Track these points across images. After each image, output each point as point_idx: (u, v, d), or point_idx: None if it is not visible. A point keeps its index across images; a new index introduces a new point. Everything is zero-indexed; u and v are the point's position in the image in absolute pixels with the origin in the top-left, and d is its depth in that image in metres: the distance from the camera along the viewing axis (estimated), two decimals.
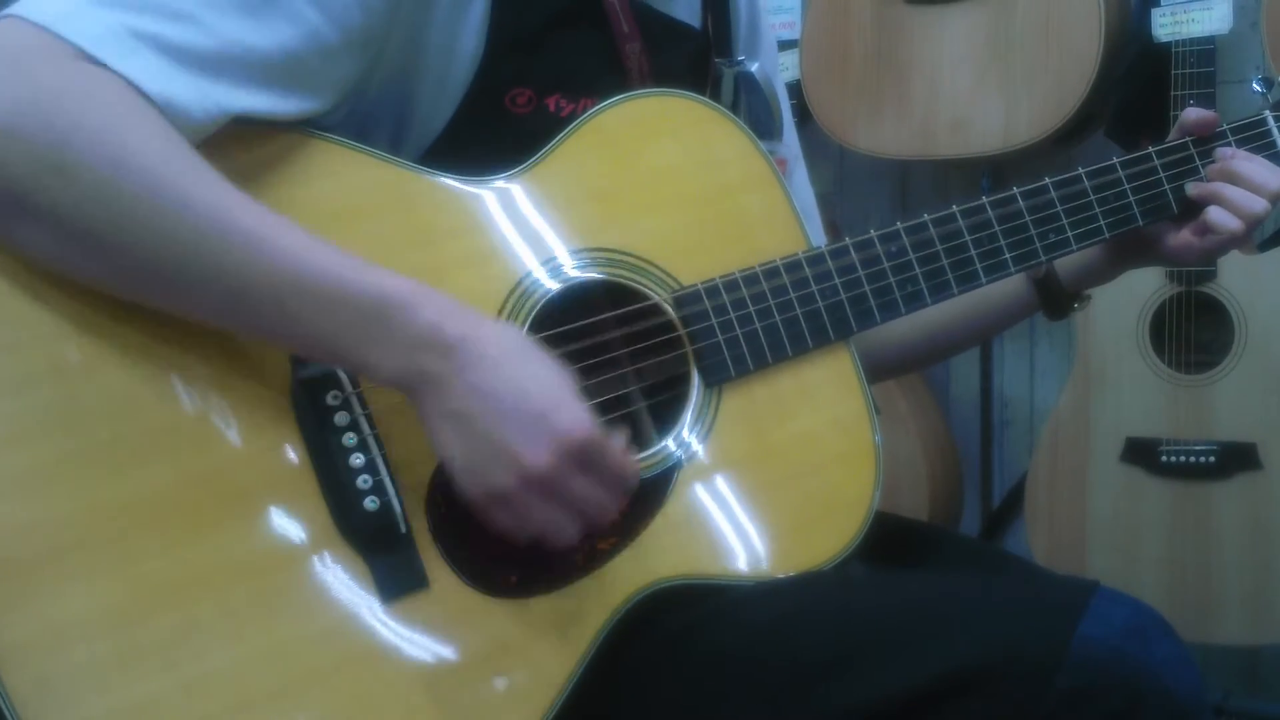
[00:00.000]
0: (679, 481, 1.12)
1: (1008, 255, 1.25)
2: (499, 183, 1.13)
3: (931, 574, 1.20)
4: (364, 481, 1.01)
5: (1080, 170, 1.28)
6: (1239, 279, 2.35)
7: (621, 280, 1.14)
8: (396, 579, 1.01)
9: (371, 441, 1.02)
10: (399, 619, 1.01)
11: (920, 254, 1.22)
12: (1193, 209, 1.31)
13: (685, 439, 1.14)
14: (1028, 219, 1.26)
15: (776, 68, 1.43)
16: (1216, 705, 2.45)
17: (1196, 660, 1.02)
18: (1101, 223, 1.28)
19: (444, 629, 1.02)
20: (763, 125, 1.31)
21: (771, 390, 1.17)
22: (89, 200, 0.93)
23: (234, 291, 0.96)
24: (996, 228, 1.25)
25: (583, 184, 1.15)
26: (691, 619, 1.08)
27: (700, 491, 1.12)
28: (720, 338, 1.15)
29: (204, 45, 0.99)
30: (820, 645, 1.04)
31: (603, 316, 1.14)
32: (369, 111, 1.13)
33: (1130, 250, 1.37)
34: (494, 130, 1.15)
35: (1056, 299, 1.39)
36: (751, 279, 1.17)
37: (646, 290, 1.15)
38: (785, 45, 2.68)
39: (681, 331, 1.15)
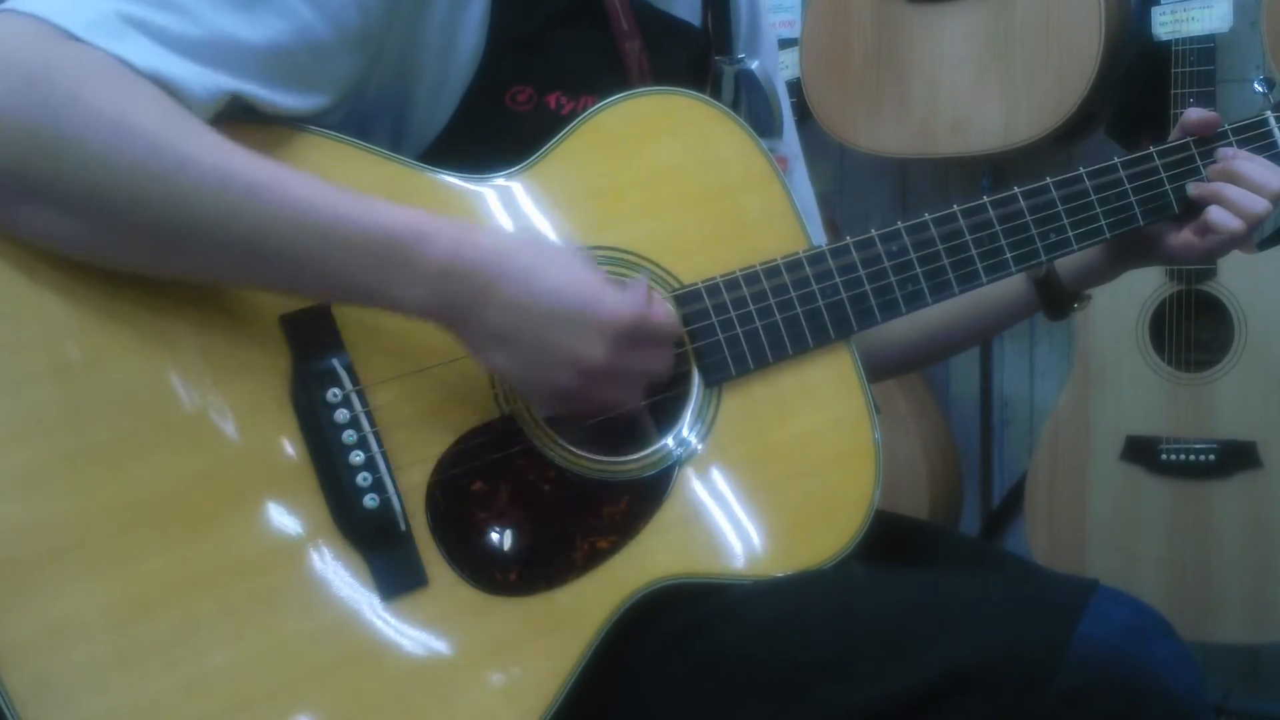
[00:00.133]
0: (679, 480, 1.12)
1: (1009, 255, 1.25)
2: (499, 181, 1.13)
3: (931, 573, 1.20)
4: (364, 479, 1.01)
5: (1081, 170, 1.28)
6: (1239, 278, 2.35)
7: (622, 279, 1.14)
8: (396, 577, 1.01)
9: (371, 439, 1.02)
10: (398, 617, 1.01)
11: (921, 253, 1.22)
12: (1193, 209, 1.31)
13: (685, 438, 1.13)
14: (1029, 219, 1.26)
15: (776, 66, 1.43)
16: (1216, 705, 2.45)
17: (1196, 659, 1.02)
18: (1102, 222, 1.28)
19: (443, 627, 1.02)
20: (763, 123, 1.31)
21: (772, 389, 1.17)
22: (91, 170, 0.93)
23: (247, 245, 0.96)
24: (997, 227, 1.25)
25: (583, 182, 1.15)
26: (691, 618, 1.08)
27: (700, 490, 1.12)
28: (720, 336, 1.15)
29: (193, 34, 0.99)
30: (820, 644, 1.04)
31: None
32: (369, 111, 1.13)
33: (1131, 250, 1.36)
34: (494, 128, 1.15)
35: (1057, 299, 1.39)
36: (752, 278, 1.17)
37: None
38: (785, 44, 2.68)
39: (682, 330, 1.15)
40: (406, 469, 1.04)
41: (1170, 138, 1.34)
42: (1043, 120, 2.45)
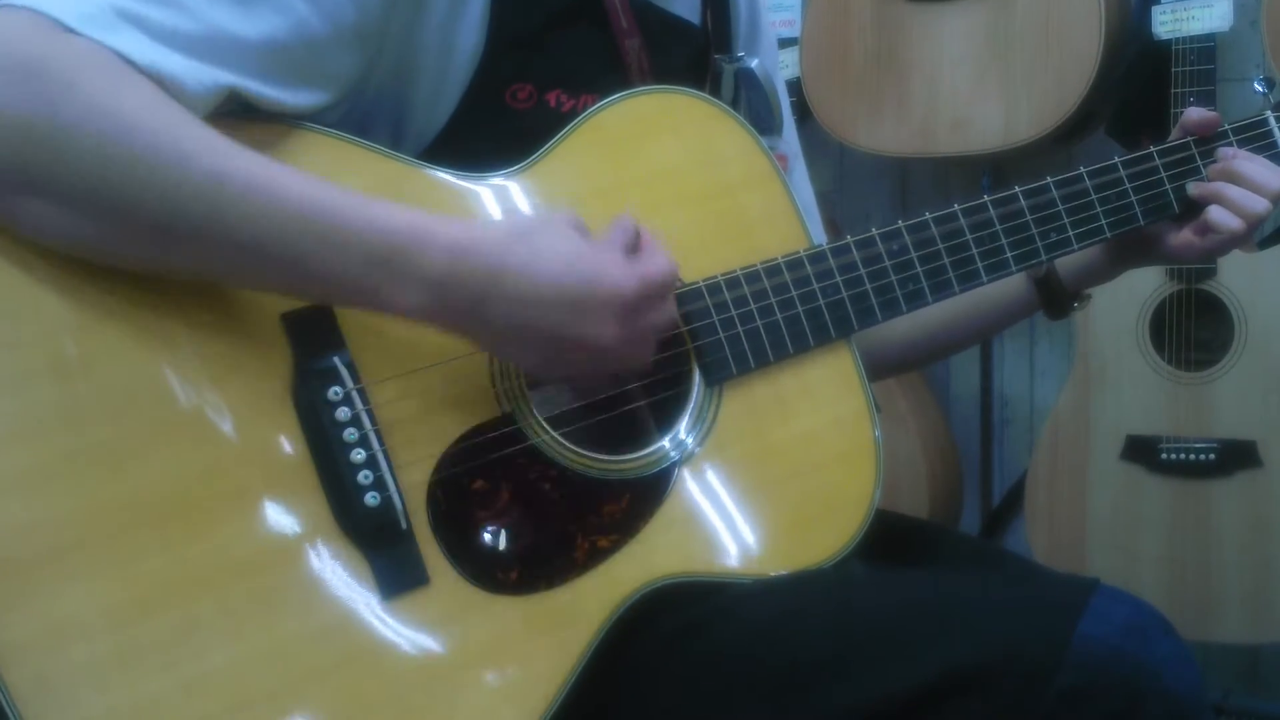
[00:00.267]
0: (679, 479, 1.12)
1: (1009, 254, 1.25)
2: (500, 180, 1.13)
3: (931, 572, 1.20)
4: (365, 477, 1.01)
5: (1081, 169, 1.29)
6: (1239, 277, 2.35)
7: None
8: (397, 575, 1.01)
9: (372, 437, 1.02)
10: (399, 616, 1.01)
11: (922, 252, 1.22)
12: (1193, 208, 1.31)
13: (686, 437, 1.13)
14: (1029, 218, 1.26)
15: (776, 64, 1.43)
16: (1216, 704, 2.45)
17: (1196, 659, 1.02)
18: (1103, 222, 1.28)
19: (444, 625, 1.02)
20: (763, 121, 1.31)
21: (772, 388, 1.17)
22: (87, 164, 0.92)
23: (243, 244, 0.96)
24: (998, 226, 1.25)
25: (583, 181, 1.15)
26: (691, 617, 1.08)
27: (700, 489, 1.12)
28: (721, 335, 1.15)
29: (189, 29, 0.99)
30: (820, 644, 1.04)
31: None
32: (369, 109, 1.13)
33: (1131, 249, 1.37)
34: (495, 126, 1.15)
35: (1057, 298, 1.39)
36: (753, 276, 1.17)
37: None
38: (785, 43, 2.68)
39: (682, 329, 1.15)
40: (407, 467, 1.04)
41: (1170, 137, 1.34)
42: (1043, 120, 2.45)
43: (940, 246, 1.23)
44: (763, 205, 1.21)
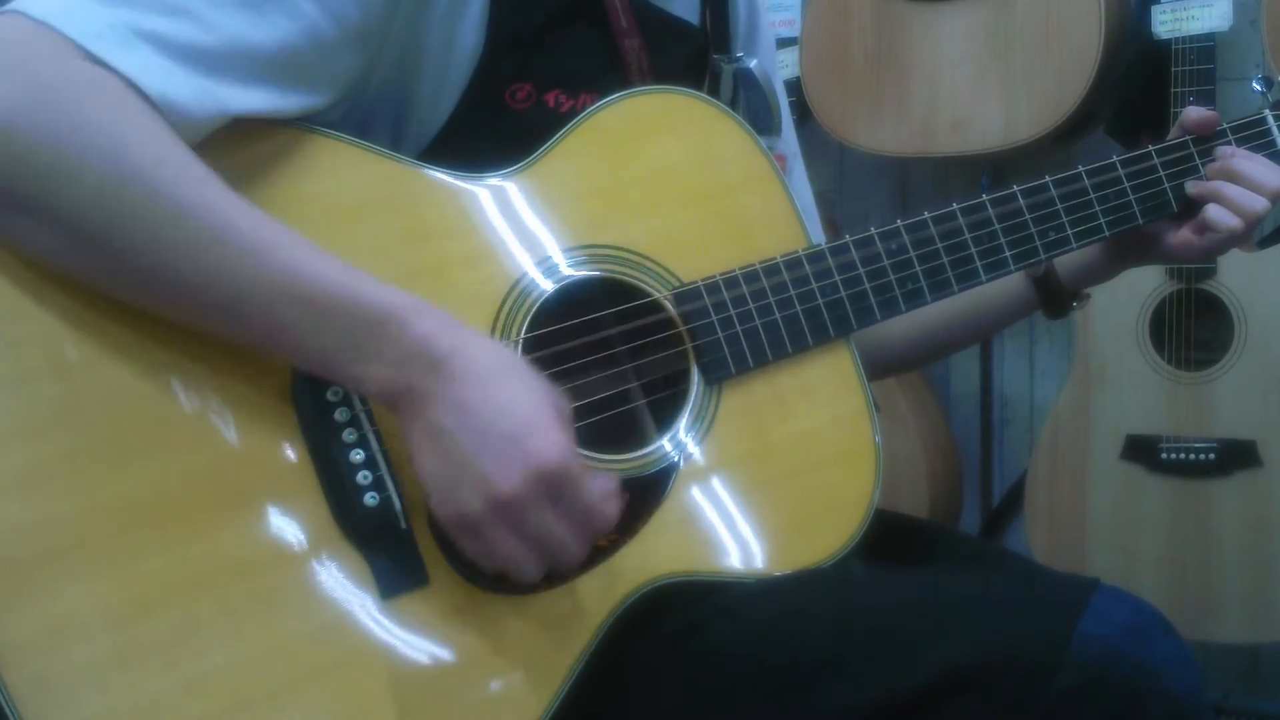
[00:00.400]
0: (678, 479, 1.12)
1: (1008, 254, 1.25)
2: (499, 180, 1.13)
3: (931, 572, 1.20)
4: (364, 478, 1.01)
5: (1080, 169, 1.29)
6: (1239, 276, 2.35)
7: (621, 277, 1.14)
8: (396, 576, 1.01)
9: (371, 438, 1.02)
10: (398, 616, 1.01)
11: (920, 252, 1.22)
12: (1192, 207, 1.31)
13: (685, 436, 1.13)
14: (1028, 217, 1.26)
15: (775, 64, 1.43)
16: (1216, 704, 2.45)
17: (1196, 659, 1.02)
18: (1101, 221, 1.29)
19: (443, 626, 1.02)
20: (761, 121, 1.31)
21: (771, 388, 1.17)
22: (85, 202, 0.93)
23: (227, 300, 0.96)
24: (996, 226, 1.25)
25: (583, 181, 1.15)
26: (691, 617, 1.08)
27: (700, 489, 1.12)
28: (720, 335, 1.15)
29: (204, 42, 0.99)
30: (820, 644, 1.04)
31: (602, 313, 1.14)
32: (368, 109, 1.13)
33: (1130, 248, 1.37)
34: (494, 126, 1.15)
35: (1056, 298, 1.39)
36: (752, 276, 1.17)
37: (646, 287, 1.15)
38: (785, 43, 2.68)
39: (681, 328, 1.15)
40: (407, 467, 1.03)
41: (1169, 136, 1.34)
42: (1043, 119, 2.45)
43: (939, 246, 1.23)
44: (762, 205, 1.21)
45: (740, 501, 1.13)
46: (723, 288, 1.16)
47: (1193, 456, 2.39)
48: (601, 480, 0.98)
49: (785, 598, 1.09)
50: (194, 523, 0.96)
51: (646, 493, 1.11)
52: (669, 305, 1.15)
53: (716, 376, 1.15)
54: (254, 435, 1.00)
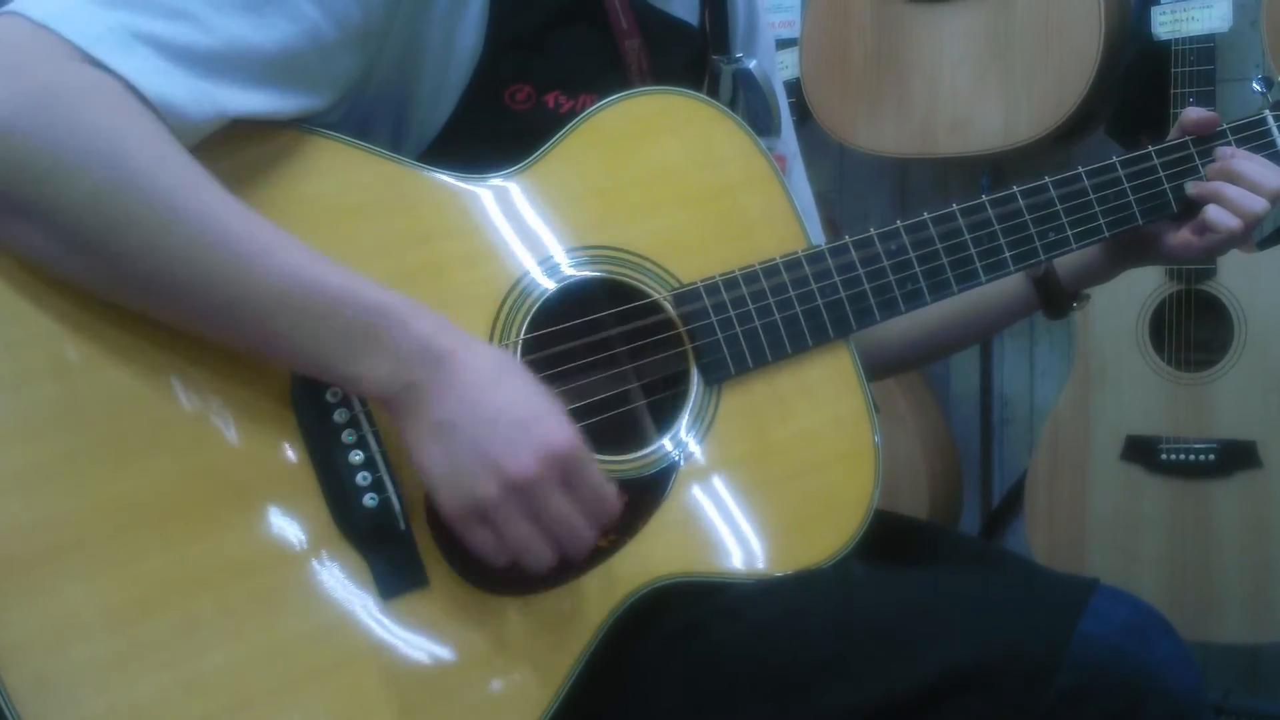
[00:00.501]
0: (678, 479, 1.12)
1: (1007, 254, 1.25)
2: (499, 181, 1.13)
3: (931, 573, 1.20)
4: (363, 478, 1.01)
5: (1080, 169, 1.29)
6: (1239, 277, 2.35)
7: (621, 278, 1.14)
8: (396, 576, 1.01)
9: (371, 438, 1.02)
10: (398, 617, 1.01)
11: (920, 252, 1.22)
12: (1192, 208, 1.31)
13: (685, 437, 1.14)
14: (1027, 218, 1.26)
15: (774, 65, 1.43)
16: (1216, 704, 2.45)
17: (1196, 659, 1.02)
18: (1101, 221, 1.29)
19: (443, 627, 1.02)
20: (761, 122, 1.31)
21: (771, 388, 1.17)
22: (82, 206, 0.93)
23: (222, 305, 0.96)
24: (996, 226, 1.25)
25: (582, 182, 1.15)
26: (691, 618, 1.08)
27: (700, 489, 1.12)
28: (720, 335, 1.15)
29: (204, 44, 0.98)
30: (820, 644, 1.04)
31: (602, 314, 1.14)
32: (368, 110, 1.13)
33: (1130, 249, 1.37)
34: (493, 127, 1.15)
35: (1056, 298, 1.39)
36: (751, 277, 1.17)
37: (646, 288, 1.15)
38: (785, 44, 2.68)
39: (681, 329, 1.15)
40: (406, 468, 1.03)
41: (1169, 137, 1.34)
42: (1042, 120, 2.45)
43: (939, 247, 1.23)
44: (761, 206, 1.21)
45: (740, 502, 1.13)
46: (722, 289, 1.16)
47: (1193, 457, 2.39)
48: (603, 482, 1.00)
49: (785, 598, 1.09)
50: (194, 523, 0.96)
51: (646, 493, 1.11)
52: (669, 306, 1.15)
53: (716, 377, 1.15)
54: (253, 436, 1.00)
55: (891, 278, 1.21)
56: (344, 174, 1.07)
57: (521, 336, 1.09)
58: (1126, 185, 1.29)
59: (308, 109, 1.07)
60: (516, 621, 1.04)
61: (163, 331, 0.98)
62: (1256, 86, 1.91)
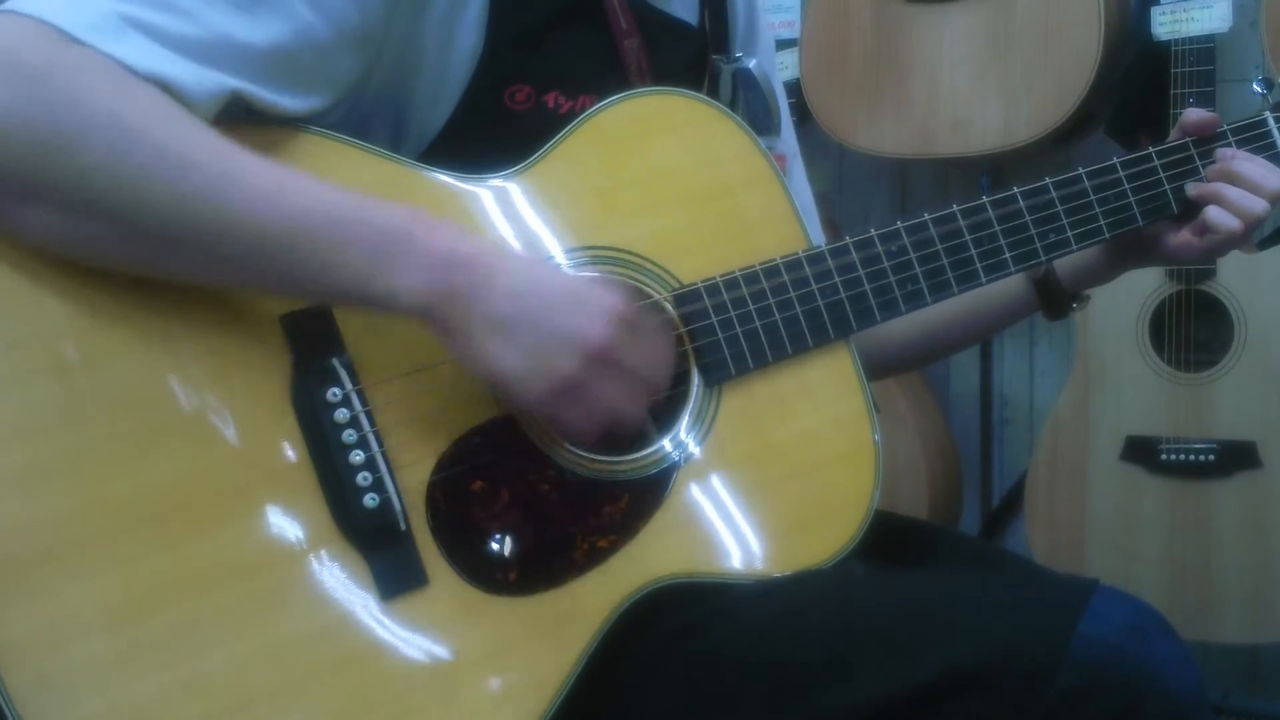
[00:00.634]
0: (679, 480, 1.12)
1: (1008, 255, 1.25)
2: (499, 181, 1.13)
3: (931, 573, 1.20)
4: (363, 479, 1.01)
5: (1080, 170, 1.29)
6: (1239, 277, 2.35)
7: (621, 279, 1.14)
8: (396, 576, 1.01)
9: (371, 438, 1.02)
10: (398, 617, 1.01)
11: (920, 253, 1.22)
12: (1192, 209, 1.31)
13: (685, 437, 1.14)
14: (1028, 219, 1.26)
15: (774, 65, 1.43)
16: (1216, 704, 2.44)
17: (1196, 659, 1.02)
18: (1101, 223, 1.29)
19: (443, 627, 1.02)
20: (760, 121, 1.31)
21: (771, 389, 1.17)
22: (95, 172, 0.93)
23: (248, 245, 0.96)
24: (996, 227, 1.25)
25: (582, 182, 1.15)
26: (691, 618, 1.08)
27: (700, 490, 1.12)
28: (720, 336, 1.15)
29: (196, 35, 0.99)
30: (820, 644, 1.04)
31: None
32: (368, 110, 1.13)
33: (1130, 250, 1.37)
34: (493, 127, 1.15)
35: (1056, 299, 1.39)
36: (751, 278, 1.17)
37: (646, 288, 1.15)
38: (785, 44, 2.68)
39: (681, 330, 1.15)
40: (406, 468, 1.04)
41: (1169, 138, 1.34)
42: (1042, 120, 2.45)
43: (939, 247, 1.23)
44: (761, 206, 1.21)
45: (740, 502, 1.13)
46: (722, 289, 1.16)
47: (1193, 457, 2.39)
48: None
49: (785, 598, 1.09)
50: (194, 522, 0.96)
51: (647, 494, 1.11)
52: (669, 306, 1.15)
53: (716, 377, 1.15)
54: (254, 435, 1.00)
55: (892, 278, 1.21)
56: (343, 174, 1.07)
57: None
58: (1127, 186, 1.29)
59: (305, 108, 1.07)
60: (516, 622, 1.04)
61: (164, 331, 0.98)
62: (1257, 88, 1.91)
